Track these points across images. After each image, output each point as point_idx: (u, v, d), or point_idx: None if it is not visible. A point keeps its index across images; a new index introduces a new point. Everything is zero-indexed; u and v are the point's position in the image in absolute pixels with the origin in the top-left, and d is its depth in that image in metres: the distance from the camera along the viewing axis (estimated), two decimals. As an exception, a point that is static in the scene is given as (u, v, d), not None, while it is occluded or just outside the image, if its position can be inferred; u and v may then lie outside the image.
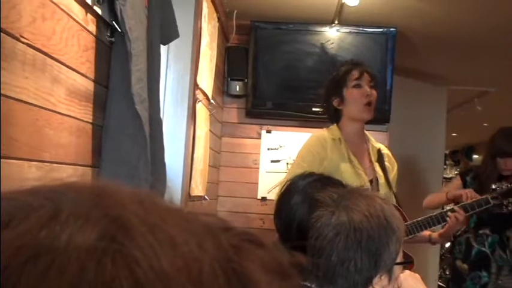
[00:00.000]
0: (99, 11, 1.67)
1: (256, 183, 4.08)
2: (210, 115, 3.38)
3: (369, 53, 3.84)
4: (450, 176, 8.85)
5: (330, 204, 1.33)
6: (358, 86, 2.49)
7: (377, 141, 2.70)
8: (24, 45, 1.27)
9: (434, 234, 2.79)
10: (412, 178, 4.73)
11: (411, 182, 4.55)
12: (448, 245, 5.34)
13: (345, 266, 1.27)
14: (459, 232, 3.35)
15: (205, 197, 3.36)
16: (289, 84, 3.90)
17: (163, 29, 2.14)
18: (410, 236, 2.64)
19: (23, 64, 1.26)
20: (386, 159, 2.59)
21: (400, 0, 3.43)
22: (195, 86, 2.84)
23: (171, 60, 2.71)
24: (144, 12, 1.89)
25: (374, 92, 2.50)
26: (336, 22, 3.87)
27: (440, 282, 5.62)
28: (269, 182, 4.03)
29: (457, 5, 3.45)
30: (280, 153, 4.08)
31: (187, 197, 2.83)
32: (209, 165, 3.46)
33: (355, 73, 2.50)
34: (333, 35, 3.90)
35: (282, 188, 1.67)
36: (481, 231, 3.27)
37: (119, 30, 1.72)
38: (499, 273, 3.23)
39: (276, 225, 1.63)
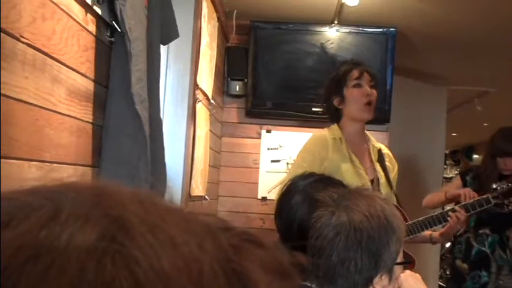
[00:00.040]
0: (99, 11, 1.67)
1: (257, 183, 4.09)
2: (210, 115, 3.38)
3: (369, 53, 3.84)
4: (450, 176, 8.86)
5: (330, 204, 1.33)
6: (358, 85, 2.49)
7: (377, 141, 2.69)
8: (24, 45, 1.27)
9: (435, 234, 2.79)
10: (412, 178, 4.72)
11: (411, 182, 4.55)
12: (448, 244, 5.34)
13: (345, 266, 1.27)
14: (459, 232, 3.35)
15: (206, 197, 3.36)
16: (289, 84, 3.90)
17: (163, 29, 2.14)
18: (411, 236, 2.64)
19: (23, 64, 1.26)
20: (387, 159, 2.59)
21: (400, 0, 3.43)
22: (195, 86, 2.84)
23: (171, 60, 2.71)
24: (144, 12, 1.89)
25: (374, 92, 2.50)
26: (336, 22, 3.87)
27: (441, 282, 5.62)
28: (269, 182, 4.03)
29: (457, 5, 3.45)
30: (280, 153, 4.08)
31: (188, 197, 2.83)
32: (209, 165, 3.46)
33: (356, 73, 2.50)
34: (332, 35, 3.90)
35: (282, 188, 1.68)
36: (481, 231, 3.26)
37: (119, 30, 1.72)
38: (499, 272, 3.23)
39: (277, 225, 1.63)
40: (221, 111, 4.05)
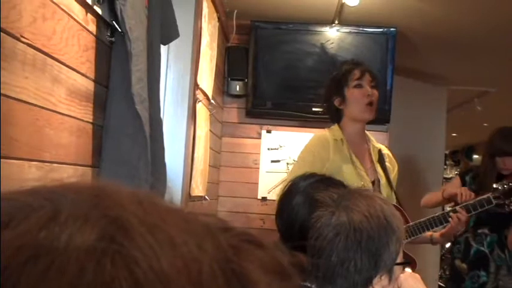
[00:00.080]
0: (99, 10, 1.67)
1: (257, 183, 4.09)
2: (210, 115, 3.38)
3: (369, 53, 3.84)
4: (450, 176, 8.85)
5: (330, 204, 1.33)
6: (359, 86, 2.48)
7: (377, 141, 2.69)
8: (25, 45, 1.27)
9: (436, 235, 2.79)
10: (412, 178, 4.72)
11: (411, 182, 4.55)
12: (448, 245, 5.33)
13: (344, 266, 1.27)
14: (459, 232, 3.35)
15: (206, 197, 3.36)
16: (289, 84, 3.90)
17: (163, 29, 2.14)
18: (412, 238, 2.64)
19: (23, 64, 1.26)
20: (387, 159, 2.58)
21: (400, 0, 3.43)
22: (195, 86, 2.84)
23: (171, 60, 2.71)
24: (144, 12, 1.89)
25: (375, 92, 2.50)
26: (336, 22, 3.87)
27: (441, 282, 5.62)
28: (269, 182, 4.03)
29: (457, 5, 3.45)
30: (280, 153, 4.08)
31: (188, 197, 2.83)
32: (209, 165, 3.46)
33: (357, 73, 2.49)
34: (333, 35, 3.90)
35: (283, 188, 1.68)
36: (479, 231, 3.26)
37: (119, 30, 1.72)
38: (497, 272, 3.23)
39: (278, 226, 1.63)
40: (221, 111, 4.05)
